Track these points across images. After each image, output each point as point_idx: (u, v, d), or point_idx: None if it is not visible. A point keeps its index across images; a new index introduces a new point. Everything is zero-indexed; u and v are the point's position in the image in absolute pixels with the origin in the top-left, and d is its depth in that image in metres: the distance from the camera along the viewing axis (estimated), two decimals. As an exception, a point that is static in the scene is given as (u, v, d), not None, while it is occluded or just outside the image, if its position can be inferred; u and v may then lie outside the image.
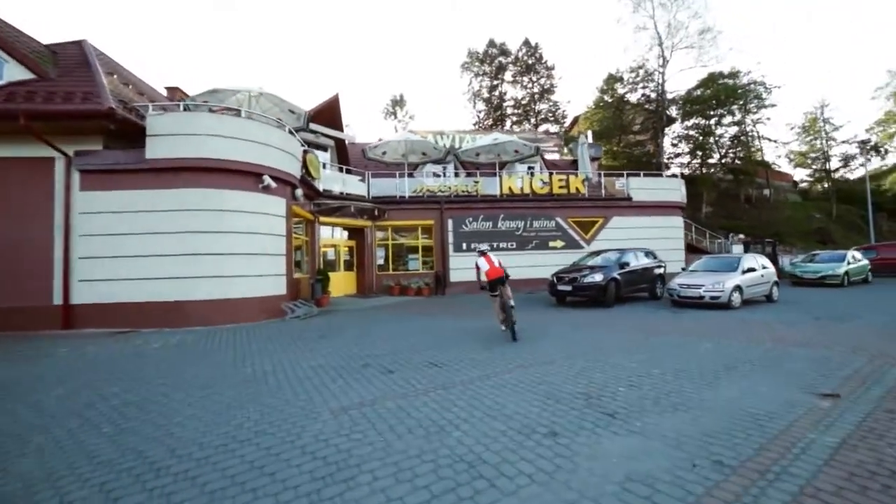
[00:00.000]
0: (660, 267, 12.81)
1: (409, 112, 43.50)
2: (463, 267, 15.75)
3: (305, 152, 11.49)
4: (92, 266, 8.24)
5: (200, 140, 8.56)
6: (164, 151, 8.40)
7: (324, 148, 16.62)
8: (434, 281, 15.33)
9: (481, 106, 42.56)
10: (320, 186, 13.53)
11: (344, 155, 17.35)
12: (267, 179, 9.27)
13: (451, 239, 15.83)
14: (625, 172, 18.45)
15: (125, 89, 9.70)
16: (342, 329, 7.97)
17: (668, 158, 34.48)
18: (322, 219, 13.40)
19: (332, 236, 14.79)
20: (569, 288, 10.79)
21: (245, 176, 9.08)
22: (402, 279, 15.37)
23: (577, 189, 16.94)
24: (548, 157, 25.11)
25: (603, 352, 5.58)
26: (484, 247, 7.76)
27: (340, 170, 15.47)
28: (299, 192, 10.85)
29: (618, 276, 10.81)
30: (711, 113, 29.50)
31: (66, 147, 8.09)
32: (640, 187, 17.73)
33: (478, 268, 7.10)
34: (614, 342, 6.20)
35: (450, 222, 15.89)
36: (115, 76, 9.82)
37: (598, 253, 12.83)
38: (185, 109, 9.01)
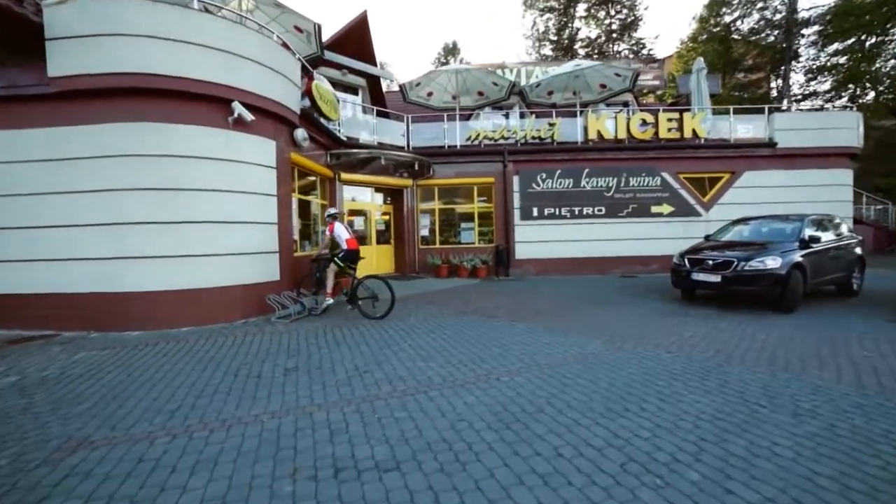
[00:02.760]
0: (856, 244, 8.05)
1: (464, 61, 38.88)
2: (532, 240, 11.92)
3: (311, 78, 8.11)
4: (-14, 241, 5.68)
5: (128, 45, 5.45)
6: (75, 65, 5.41)
7: (354, 90, 13.24)
8: (494, 258, 11.67)
9: (547, 50, 36.62)
10: (342, 134, 10.23)
11: (380, 102, 13.84)
12: (238, 108, 6.03)
13: (516, 202, 11.94)
14: (766, 107, 13.04)
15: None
16: (337, 347, 4.70)
17: (795, 99, 26.92)
18: (344, 175, 10.13)
19: (362, 199, 11.57)
20: (716, 278, 6.59)
21: (204, 103, 5.91)
22: (453, 255, 11.90)
23: (693, 132, 12.06)
24: (641, 98, 19.78)
25: None
26: (334, 211, 6.86)
27: (371, 112, 11.99)
28: (301, 133, 7.58)
29: (802, 260, 6.44)
30: (876, 27, 21.41)
31: (-68, 61, 5.44)
32: (791, 127, 12.32)
33: (334, 234, 6.47)
34: None
35: (515, 180, 11.94)
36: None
37: (740, 222, 8.33)
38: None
